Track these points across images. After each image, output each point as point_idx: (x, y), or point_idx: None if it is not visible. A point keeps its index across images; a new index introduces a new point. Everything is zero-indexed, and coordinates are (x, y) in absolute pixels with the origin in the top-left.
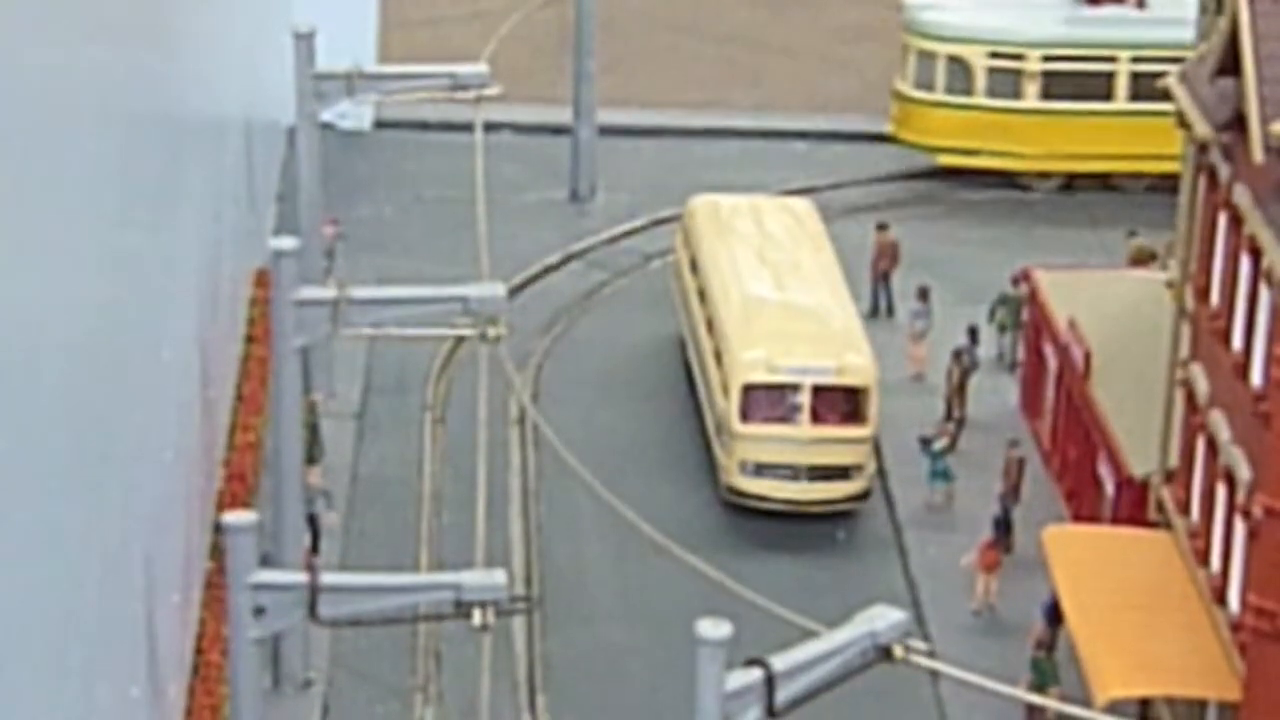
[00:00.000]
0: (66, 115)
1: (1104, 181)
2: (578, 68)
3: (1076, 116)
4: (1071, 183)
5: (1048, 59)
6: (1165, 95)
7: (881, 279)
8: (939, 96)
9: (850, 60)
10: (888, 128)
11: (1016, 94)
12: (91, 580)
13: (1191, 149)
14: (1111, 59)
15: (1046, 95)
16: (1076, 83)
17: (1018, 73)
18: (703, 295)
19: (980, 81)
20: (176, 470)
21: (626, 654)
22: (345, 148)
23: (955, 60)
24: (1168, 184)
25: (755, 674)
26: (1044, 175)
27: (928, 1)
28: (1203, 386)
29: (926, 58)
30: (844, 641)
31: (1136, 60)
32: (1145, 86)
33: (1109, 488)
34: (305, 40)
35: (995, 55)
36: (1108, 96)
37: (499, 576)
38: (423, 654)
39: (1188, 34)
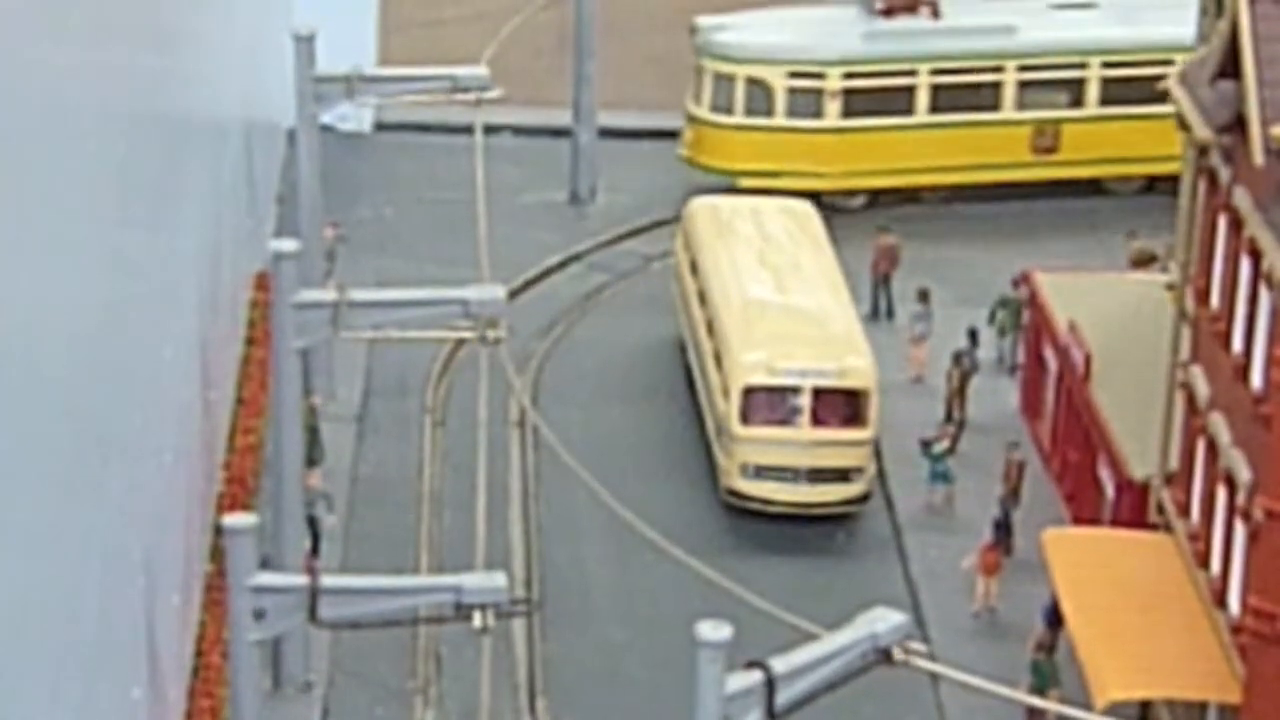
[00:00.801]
0: (67, 117)
1: (908, 196)
2: (578, 70)
3: (878, 132)
4: (876, 199)
5: (848, 76)
6: (967, 105)
7: (882, 281)
8: (739, 120)
9: None
10: (684, 154)
11: (817, 113)
12: (92, 582)
13: (1191, 151)
14: (911, 72)
15: (848, 113)
16: (877, 98)
17: (818, 92)
18: (703, 297)
19: (780, 102)
20: (176, 472)
21: (626, 656)
22: (345, 150)
23: (754, 82)
24: (969, 194)
25: (755, 676)
26: (849, 193)
27: (720, 22)
28: (1203, 389)
29: (724, 80)
30: (844, 644)
31: (936, 72)
32: (946, 98)
33: (1109, 490)
34: (305, 42)
35: (795, 75)
36: (908, 110)
37: (499, 579)
38: (423, 656)
39: (985, 43)
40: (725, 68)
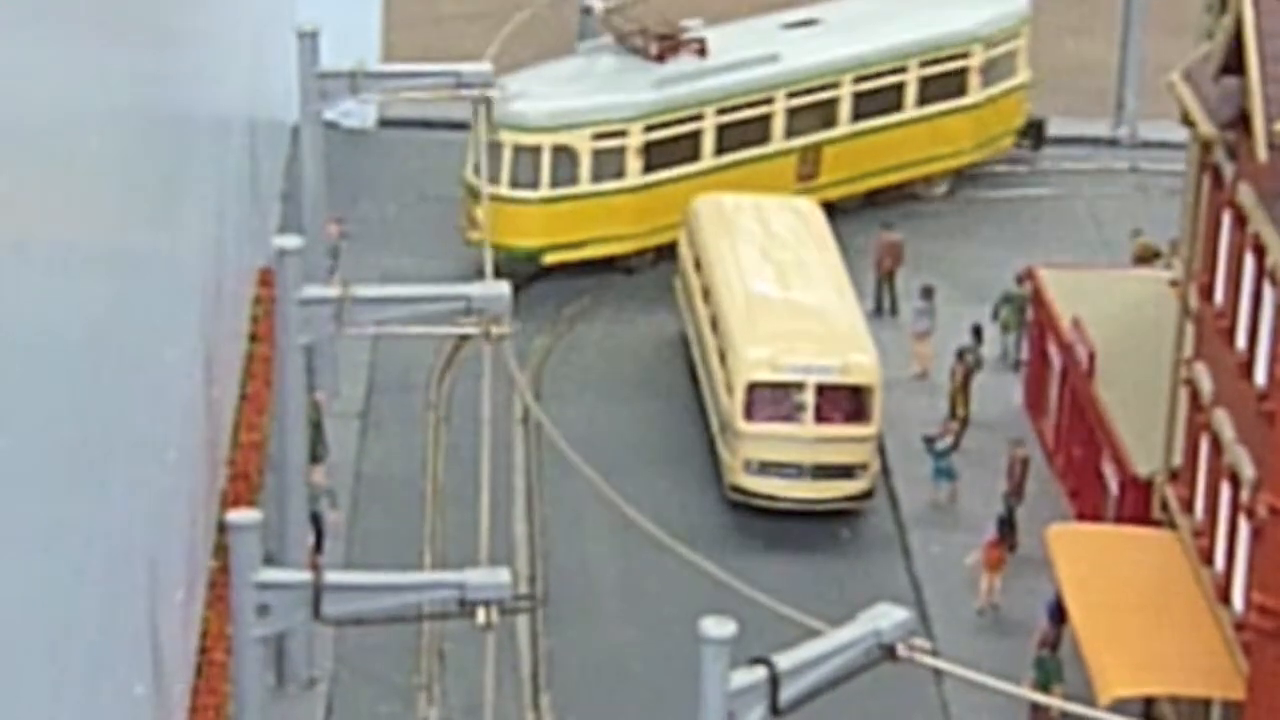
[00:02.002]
0: (70, 113)
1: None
2: None
3: (673, 184)
4: (660, 254)
5: (647, 129)
6: (743, 142)
7: (885, 278)
8: (545, 193)
9: None
10: (474, 236)
11: (620, 173)
12: (95, 579)
13: (1195, 148)
14: (699, 116)
15: (647, 168)
16: (669, 149)
17: (621, 151)
18: (707, 294)
19: (586, 167)
20: (180, 469)
21: (630, 652)
22: (349, 146)
23: (560, 149)
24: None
25: (759, 673)
26: (640, 252)
27: (508, 92)
28: (1207, 385)
29: (527, 152)
30: (848, 640)
31: (720, 112)
32: (727, 138)
33: (1113, 486)
34: (309, 39)
35: (600, 136)
36: (695, 156)
37: (503, 575)
38: (427, 653)
39: (756, 75)
40: (528, 139)
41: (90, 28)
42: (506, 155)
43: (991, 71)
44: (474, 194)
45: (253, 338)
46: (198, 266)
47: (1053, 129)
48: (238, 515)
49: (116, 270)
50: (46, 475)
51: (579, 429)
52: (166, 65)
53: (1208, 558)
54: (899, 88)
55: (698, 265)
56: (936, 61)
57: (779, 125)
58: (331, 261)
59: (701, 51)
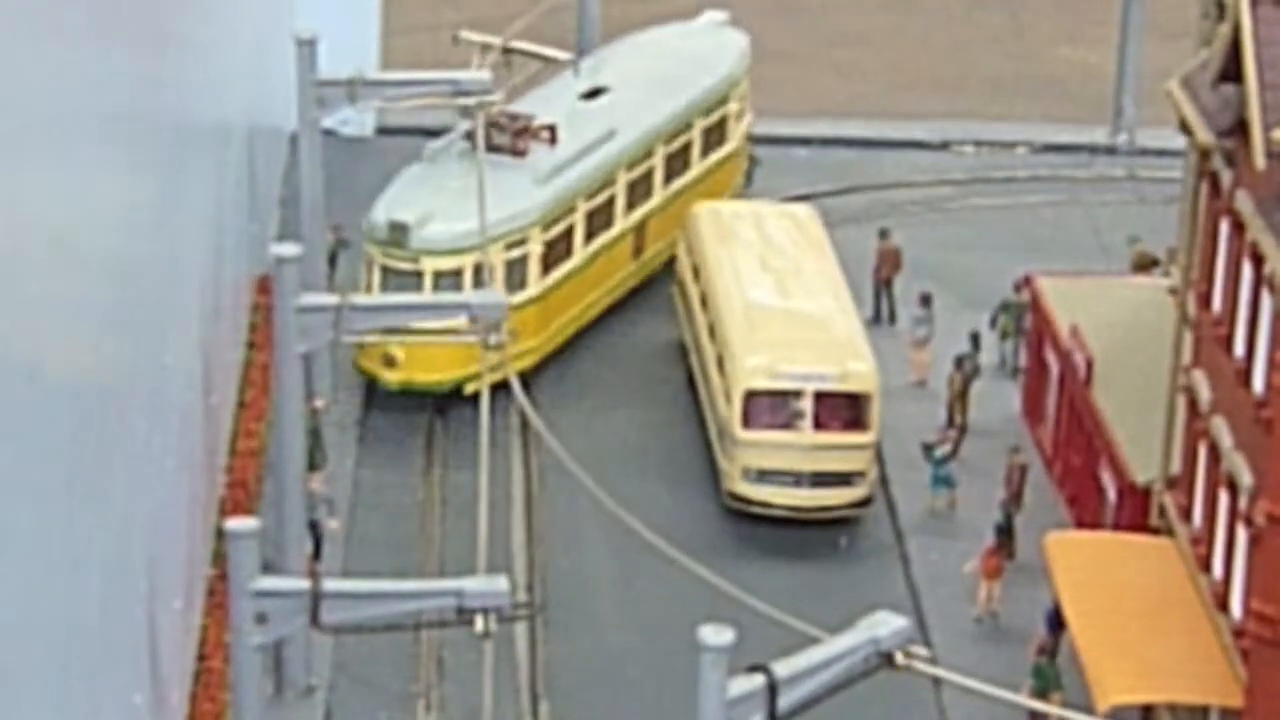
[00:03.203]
0: (69, 121)
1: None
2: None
3: (560, 286)
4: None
5: (544, 231)
6: (600, 228)
7: (884, 285)
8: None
9: (852, 66)
10: (389, 376)
11: (523, 283)
12: (94, 587)
13: (1193, 155)
14: (572, 209)
15: (543, 273)
16: (553, 251)
17: (524, 259)
18: (705, 301)
19: (500, 281)
20: (178, 477)
21: (628, 660)
22: (347, 154)
23: (479, 269)
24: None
25: (757, 680)
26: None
27: (405, 220)
28: (1205, 393)
29: (448, 276)
30: (846, 648)
31: (586, 200)
32: (590, 227)
33: (1111, 494)
34: (307, 47)
35: (510, 246)
36: (569, 252)
37: (501, 583)
38: (425, 661)
39: (608, 157)
40: (448, 262)
41: (89, 35)
42: (426, 284)
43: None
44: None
45: (251, 345)
46: (196, 273)
47: (1051, 136)
48: (236, 523)
49: (115, 277)
50: (45, 482)
51: (577, 436)
52: (165, 73)
53: (1206, 565)
54: (688, 146)
55: (696, 273)
56: (710, 113)
57: (620, 204)
58: (330, 269)
59: (552, 139)
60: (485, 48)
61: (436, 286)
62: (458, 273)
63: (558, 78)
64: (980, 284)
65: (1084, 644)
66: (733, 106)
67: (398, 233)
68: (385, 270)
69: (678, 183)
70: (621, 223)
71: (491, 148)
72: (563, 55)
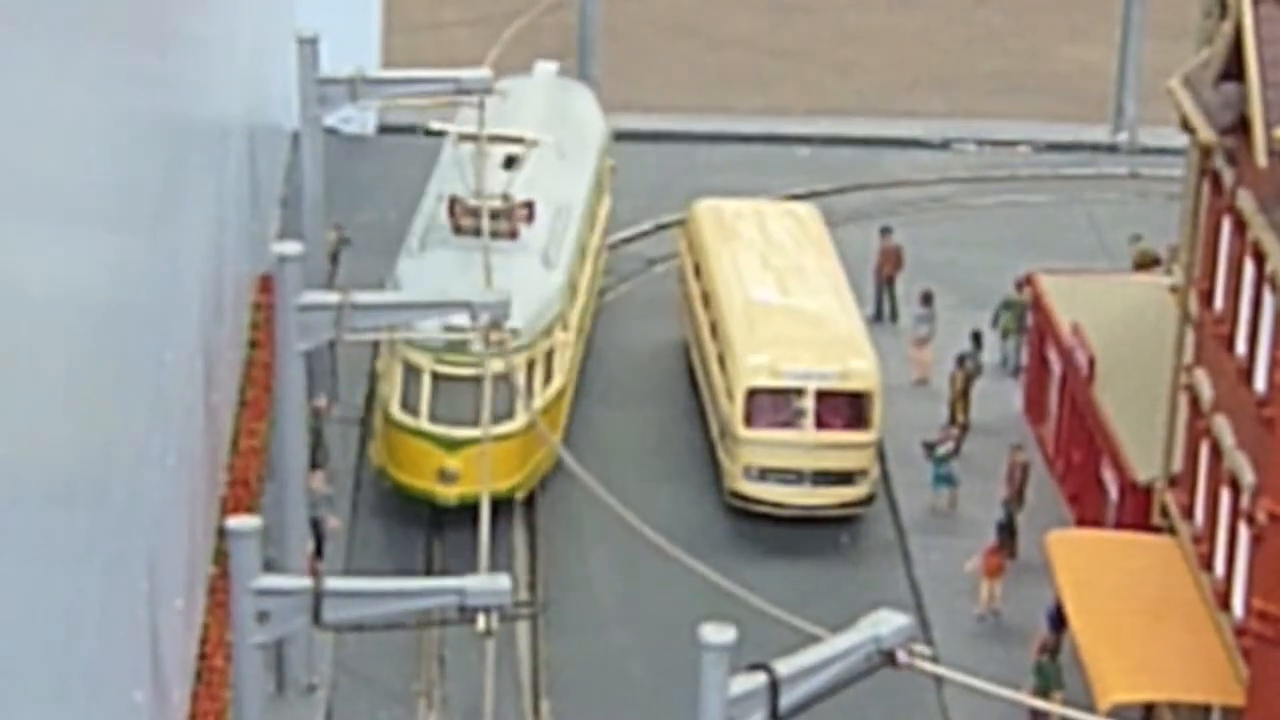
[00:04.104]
0: (70, 119)
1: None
2: (581, 73)
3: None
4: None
5: (567, 315)
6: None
7: (885, 284)
8: (524, 420)
9: (854, 64)
10: (445, 492)
11: (548, 377)
12: (95, 585)
13: (1195, 154)
14: (574, 291)
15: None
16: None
17: (550, 351)
18: (706, 300)
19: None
20: (180, 475)
21: (630, 659)
22: (349, 152)
23: (533, 364)
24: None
25: (759, 679)
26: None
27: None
28: (1206, 391)
29: (501, 379)
30: (848, 646)
31: (577, 276)
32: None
33: (1113, 492)
34: (309, 45)
35: (545, 337)
36: (579, 335)
37: (503, 581)
38: (426, 659)
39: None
40: (454, 368)
41: (89, 34)
42: (488, 388)
43: None
44: (433, 436)
45: (252, 344)
46: (197, 272)
47: (1053, 135)
48: (237, 521)
49: (116, 276)
50: (46, 481)
51: (578, 434)
52: (166, 71)
53: (1207, 563)
54: (597, 205)
55: (698, 271)
56: (603, 173)
57: (589, 275)
58: (331, 267)
59: (530, 216)
60: (464, 138)
61: (495, 389)
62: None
63: (453, 150)
64: (982, 282)
65: (1085, 642)
66: (609, 161)
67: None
68: (437, 377)
69: (597, 240)
70: (593, 293)
71: (477, 232)
72: (537, 137)
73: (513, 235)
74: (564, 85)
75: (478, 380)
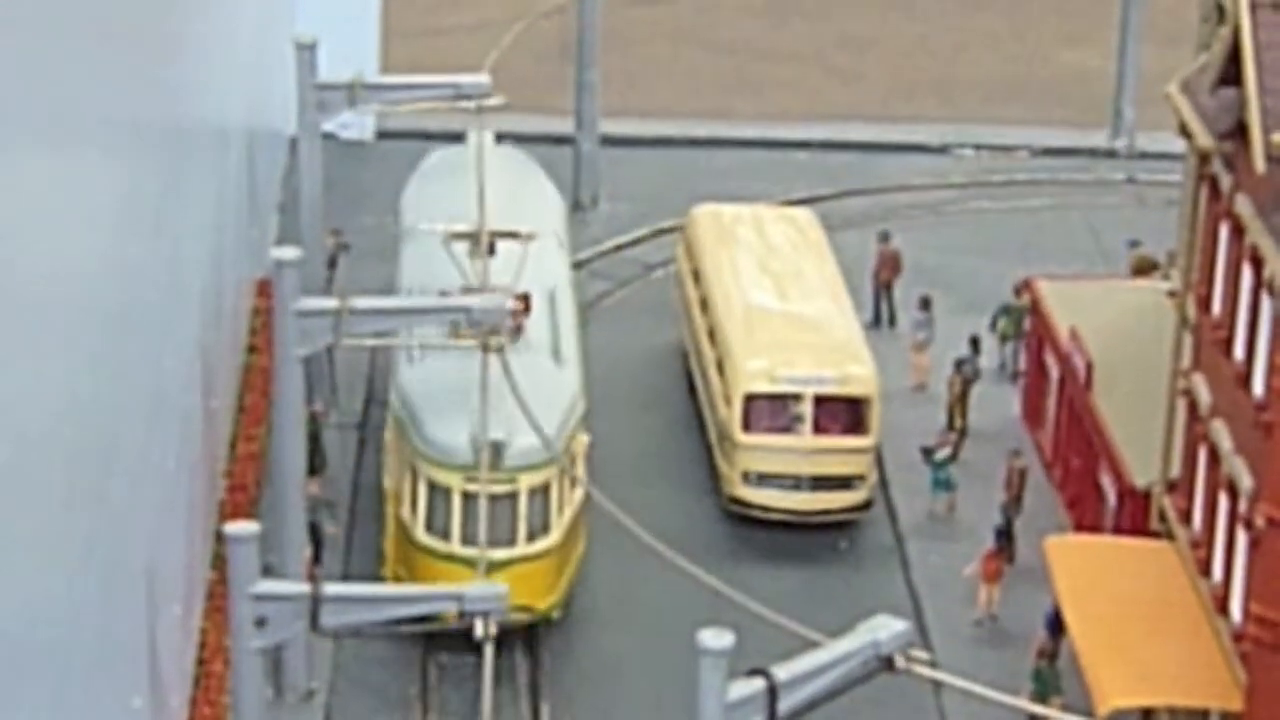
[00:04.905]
0: (69, 124)
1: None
2: (580, 78)
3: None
4: None
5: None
6: None
7: (883, 289)
8: (557, 536)
9: (852, 69)
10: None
11: (573, 483)
12: (93, 590)
13: (1193, 159)
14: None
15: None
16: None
17: (573, 457)
18: (705, 305)
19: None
20: (178, 480)
21: (628, 663)
22: (347, 158)
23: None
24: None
25: (758, 684)
26: None
27: (498, 438)
28: (1204, 396)
29: (538, 492)
30: (846, 651)
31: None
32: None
33: (1111, 497)
34: (307, 50)
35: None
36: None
37: (501, 587)
38: (424, 664)
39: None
40: (542, 475)
41: (89, 39)
42: (522, 504)
43: None
44: (456, 559)
45: (251, 349)
46: (196, 277)
47: (1051, 140)
48: (236, 527)
49: (115, 281)
50: (45, 486)
51: None
52: (166, 76)
53: (1206, 569)
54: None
55: (695, 276)
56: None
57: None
58: (329, 273)
59: (527, 308)
60: (457, 236)
61: (530, 505)
62: (547, 487)
63: (414, 234)
64: (980, 287)
65: (1084, 647)
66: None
67: (489, 454)
68: (467, 496)
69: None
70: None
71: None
72: (533, 231)
73: (517, 332)
74: (507, 155)
75: (512, 497)
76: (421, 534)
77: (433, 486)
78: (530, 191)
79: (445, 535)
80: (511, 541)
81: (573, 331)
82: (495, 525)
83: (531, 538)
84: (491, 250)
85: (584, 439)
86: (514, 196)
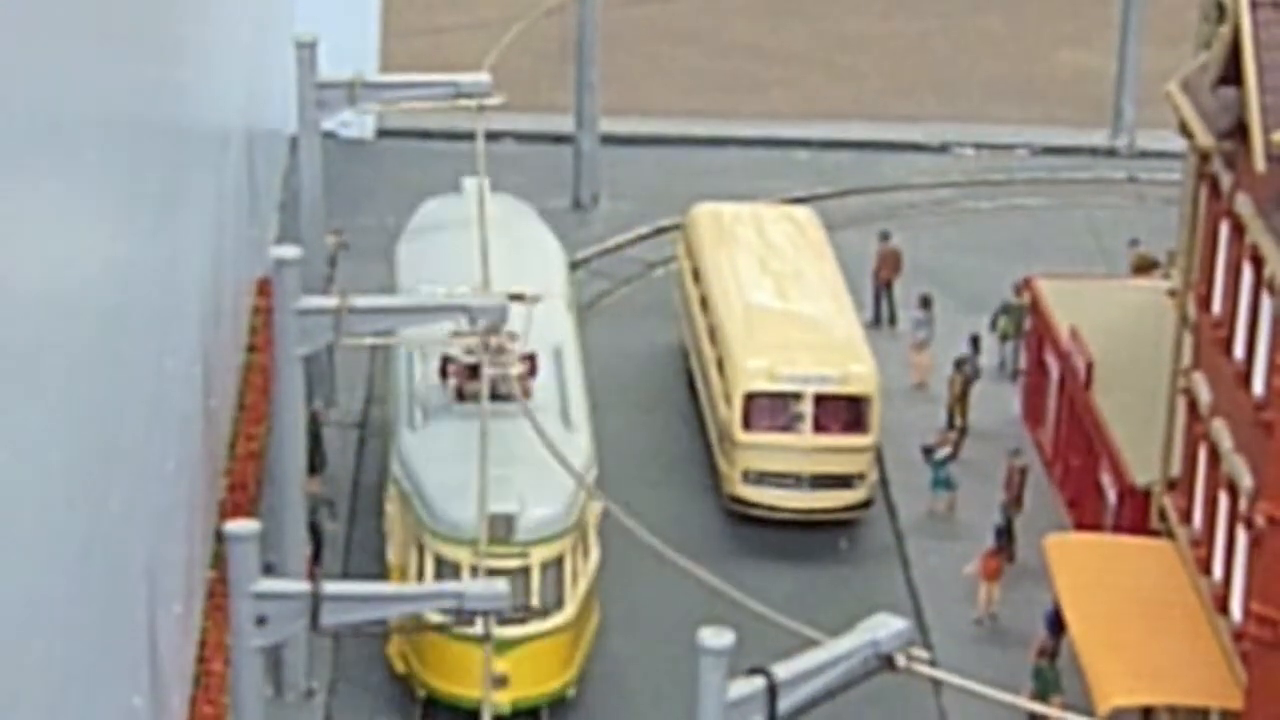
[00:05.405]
0: (70, 124)
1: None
2: (580, 76)
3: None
4: None
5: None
6: None
7: (883, 288)
8: (571, 611)
9: (851, 68)
10: (500, 698)
11: (586, 552)
12: (94, 589)
13: (1193, 158)
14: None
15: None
16: None
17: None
18: (705, 304)
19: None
20: (179, 479)
21: (629, 662)
22: (347, 156)
23: (577, 547)
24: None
25: (758, 683)
26: None
27: (509, 511)
28: (1205, 395)
29: (551, 565)
30: (846, 650)
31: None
32: None
33: (1111, 496)
34: (307, 49)
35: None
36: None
37: (501, 586)
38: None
39: None
40: (556, 548)
41: (89, 39)
42: (535, 578)
43: None
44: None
45: (251, 348)
46: (196, 276)
47: (1051, 139)
48: (236, 526)
49: (115, 280)
50: (45, 484)
51: None
52: (165, 76)
53: (1206, 567)
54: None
55: (696, 275)
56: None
57: None
58: (330, 272)
59: (533, 369)
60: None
61: (543, 579)
62: (560, 560)
63: (411, 287)
64: (980, 286)
65: (1084, 646)
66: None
67: (500, 528)
68: (476, 572)
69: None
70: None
71: (475, 396)
72: (539, 293)
73: (525, 396)
74: (505, 205)
75: (524, 571)
76: (429, 611)
77: (440, 562)
78: (531, 245)
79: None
80: (525, 619)
81: (581, 393)
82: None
83: (544, 614)
84: (535, 367)
85: (597, 507)
86: (515, 251)
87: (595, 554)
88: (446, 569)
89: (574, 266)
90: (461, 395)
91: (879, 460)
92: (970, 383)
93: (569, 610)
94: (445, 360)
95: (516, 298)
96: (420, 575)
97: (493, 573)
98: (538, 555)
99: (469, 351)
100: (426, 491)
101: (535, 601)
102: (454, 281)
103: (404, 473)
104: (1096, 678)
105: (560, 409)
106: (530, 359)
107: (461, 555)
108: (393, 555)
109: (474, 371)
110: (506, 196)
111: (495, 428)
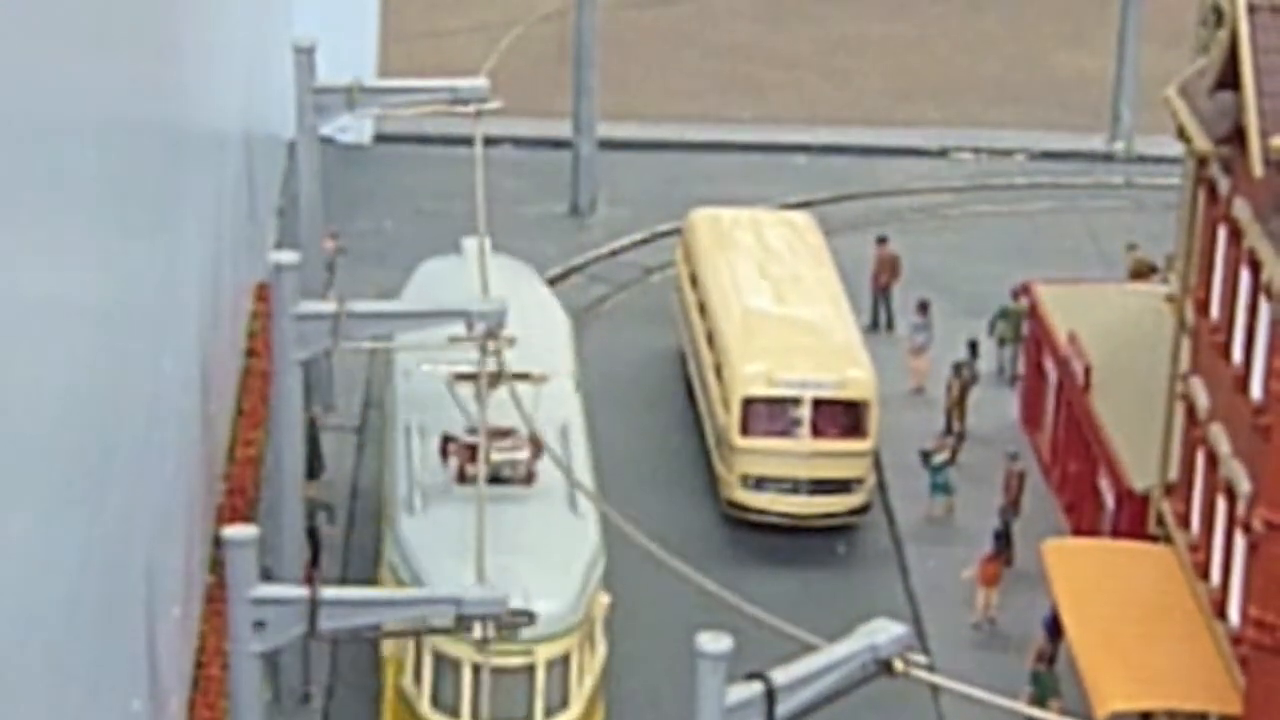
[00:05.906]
0: (68, 128)
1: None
2: (578, 81)
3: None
4: None
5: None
6: None
7: (882, 292)
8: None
9: (850, 73)
10: None
11: (593, 646)
12: (92, 594)
13: (1191, 163)
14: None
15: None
16: None
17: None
18: (703, 309)
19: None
20: (177, 484)
21: (627, 667)
22: (345, 161)
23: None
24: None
25: (756, 688)
26: None
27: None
28: (1203, 400)
29: (557, 664)
30: (844, 655)
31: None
32: None
33: (1109, 501)
34: (305, 54)
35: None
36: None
37: (499, 591)
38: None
39: None
40: (562, 646)
41: (86, 43)
42: (540, 677)
43: None
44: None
45: (249, 353)
46: (194, 281)
47: (1049, 143)
48: (234, 530)
49: (113, 284)
50: (44, 489)
51: None
52: (163, 80)
53: (1204, 572)
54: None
55: (694, 280)
56: None
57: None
58: (328, 276)
59: (538, 451)
60: (461, 378)
61: (549, 678)
62: (567, 657)
63: (410, 372)
64: (978, 291)
65: (1082, 651)
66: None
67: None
68: (478, 670)
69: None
70: None
71: (489, 479)
72: (545, 372)
73: (529, 480)
74: (505, 267)
75: (529, 670)
76: (427, 710)
77: (439, 658)
78: (533, 311)
79: (454, 713)
80: (527, 718)
81: (589, 475)
82: (510, 701)
83: (549, 714)
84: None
85: (604, 600)
86: (518, 321)
87: (602, 649)
88: (446, 665)
89: (574, 271)
90: (463, 477)
91: (877, 465)
92: (968, 387)
93: (574, 711)
94: (446, 440)
95: (522, 377)
96: (418, 671)
97: (495, 671)
98: (543, 653)
99: (471, 431)
100: (426, 584)
101: (539, 701)
102: (454, 362)
103: (401, 561)
104: (1095, 682)
105: (567, 493)
106: (535, 441)
107: (463, 652)
108: (387, 647)
109: (476, 452)
110: (508, 258)
111: (499, 513)
